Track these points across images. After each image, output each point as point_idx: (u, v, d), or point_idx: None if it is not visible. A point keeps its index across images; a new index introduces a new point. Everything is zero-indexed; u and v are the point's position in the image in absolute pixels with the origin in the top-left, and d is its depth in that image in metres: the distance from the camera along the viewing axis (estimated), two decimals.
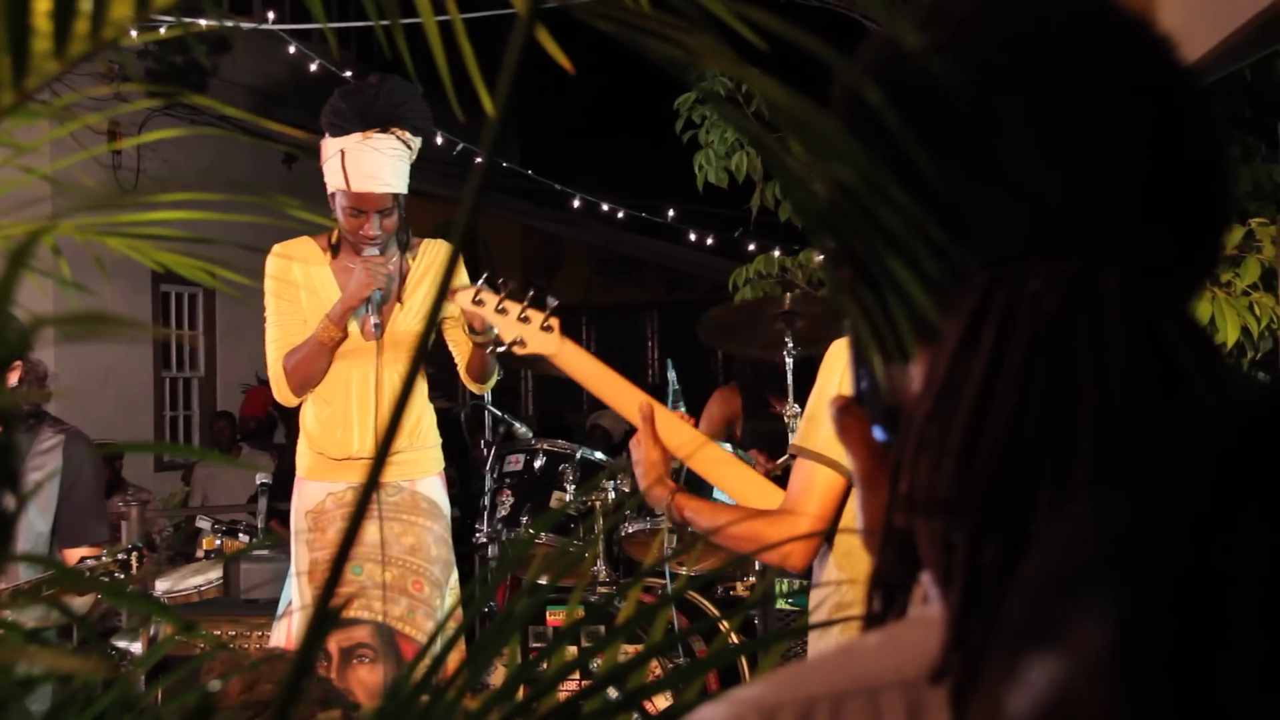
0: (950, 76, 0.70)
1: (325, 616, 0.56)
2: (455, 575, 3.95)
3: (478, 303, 2.87)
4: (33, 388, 3.48)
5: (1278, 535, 0.44)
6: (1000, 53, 0.72)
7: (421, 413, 3.97)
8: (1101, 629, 0.45)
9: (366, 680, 3.68)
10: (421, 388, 4.00)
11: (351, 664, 3.65)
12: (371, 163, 3.76)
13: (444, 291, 0.76)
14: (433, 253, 4.03)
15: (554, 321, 2.82)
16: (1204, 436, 0.49)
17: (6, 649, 0.64)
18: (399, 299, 3.90)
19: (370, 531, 3.77)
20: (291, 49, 9.39)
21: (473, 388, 4.07)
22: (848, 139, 0.73)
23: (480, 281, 2.89)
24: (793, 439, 2.53)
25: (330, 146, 3.81)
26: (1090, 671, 0.45)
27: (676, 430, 2.68)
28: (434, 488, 3.96)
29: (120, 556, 3.27)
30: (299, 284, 3.86)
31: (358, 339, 3.83)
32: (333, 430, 3.88)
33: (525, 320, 2.83)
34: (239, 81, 11.26)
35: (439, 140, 9.86)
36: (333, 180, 3.80)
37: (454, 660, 3.53)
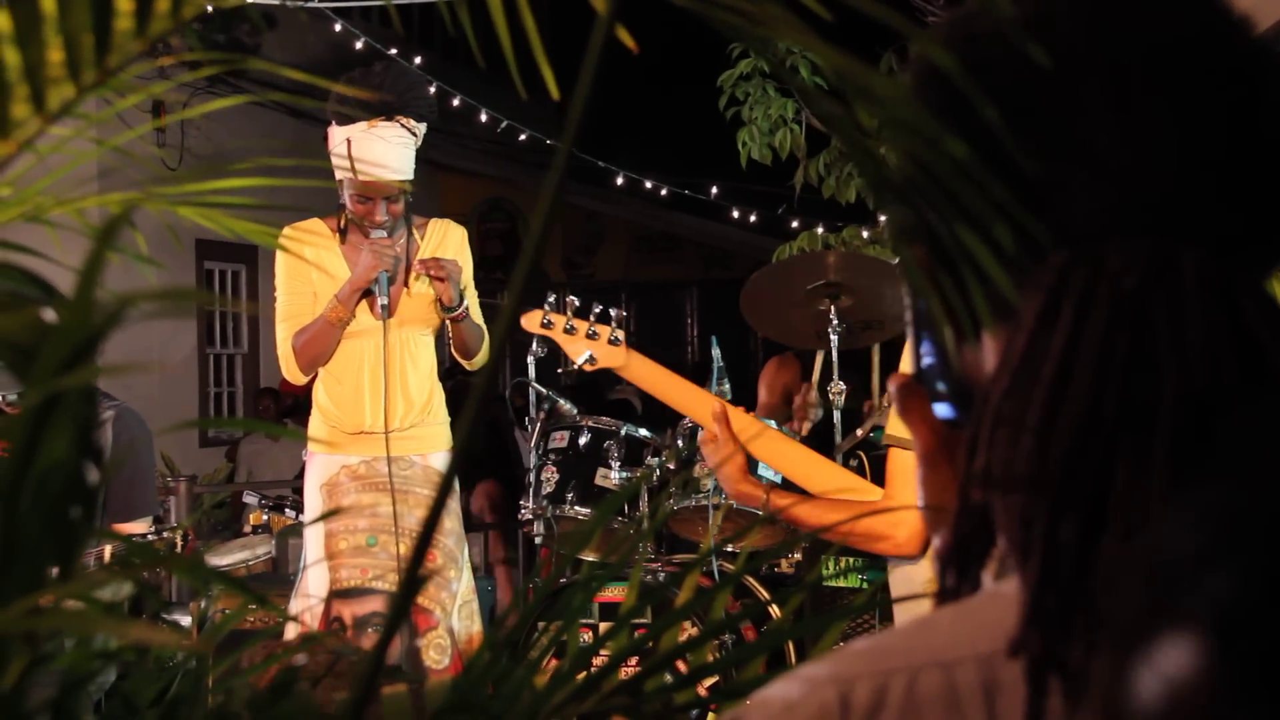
0: (1033, 52, 0.70)
1: (414, 583, 0.56)
2: (466, 549, 4.02)
3: (546, 324, 2.94)
4: None
5: None
6: (1080, 31, 0.72)
7: (432, 389, 4.05)
8: (1207, 622, 0.45)
9: None
10: (431, 365, 4.07)
11: (366, 633, 3.72)
12: (378, 152, 3.84)
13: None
14: (440, 232, 4.09)
15: (620, 334, 2.88)
16: None
17: (89, 622, 0.64)
18: (405, 281, 3.95)
19: (384, 504, 3.84)
20: (337, 26, 9.41)
21: (465, 365, 4.12)
22: (920, 109, 0.73)
23: (546, 305, 2.94)
24: (888, 429, 2.54)
25: (336, 135, 3.91)
26: (1197, 663, 0.45)
27: (748, 428, 2.71)
28: (445, 462, 4.03)
29: (166, 535, 3.31)
30: (310, 264, 3.94)
31: (367, 318, 3.90)
32: (345, 406, 3.98)
33: (593, 336, 2.89)
34: (282, 61, 11.31)
35: (483, 118, 9.87)
36: (340, 169, 3.88)
37: (476, 636, 3.50)
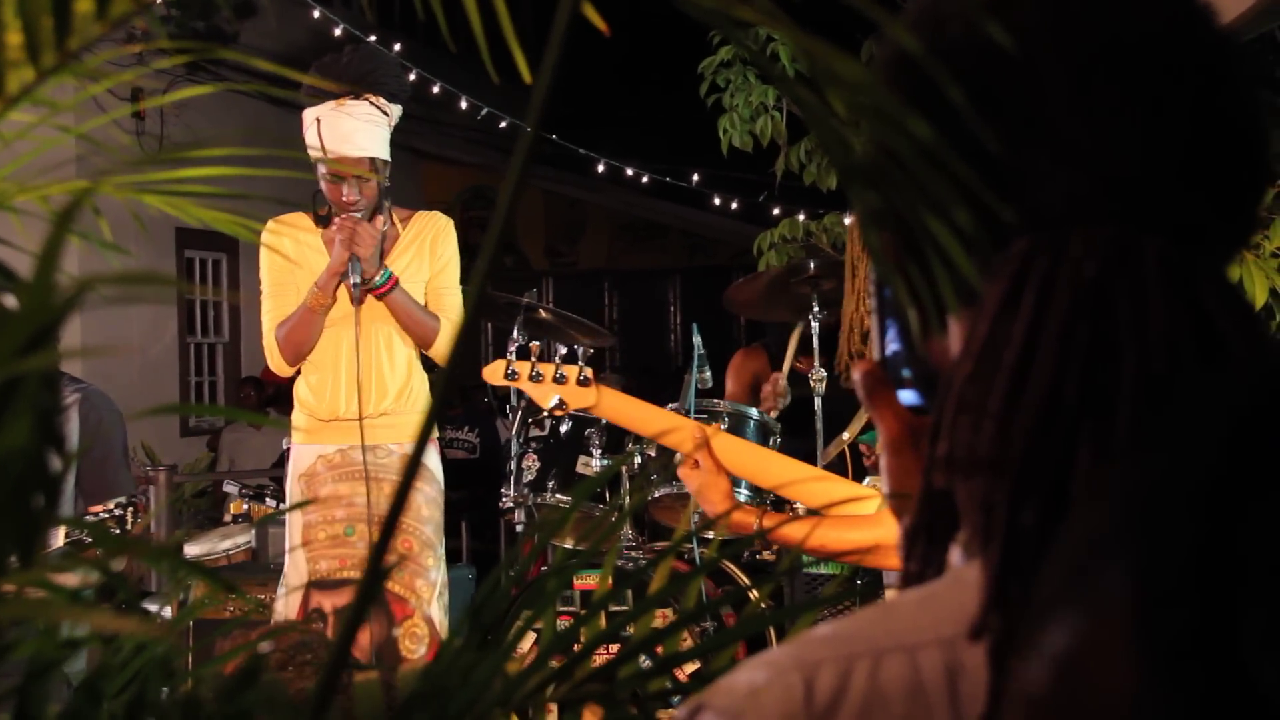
0: (994, 34, 0.70)
1: (378, 570, 0.56)
2: (443, 538, 4.00)
3: (511, 375, 2.84)
4: None
5: None
6: (1044, 17, 0.72)
7: (410, 376, 4.02)
8: (1124, 593, 0.46)
9: (358, 639, 3.72)
10: (410, 353, 4.04)
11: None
12: (345, 128, 3.84)
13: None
14: (423, 223, 4.06)
15: (589, 373, 2.80)
16: (1229, 402, 0.49)
17: (53, 610, 0.64)
18: (381, 264, 3.93)
19: (361, 493, 3.82)
20: (316, 13, 9.37)
21: (430, 355, 4.08)
22: (887, 94, 0.73)
23: (509, 354, 2.86)
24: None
25: (307, 117, 3.91)
26: (1112, 633, 0.45)
27: (734, 449, 2.65)
28: (426, 453, 3.98)
29: (116, 512, 3.24)
30: (292, 256, 3.93)
31: (346, 306, 3.89)
32: (323, 394, 3.96)
33: (561, 380, 2.82)
34: (261, 47, 11.25)
35: (463, 105, 9.84)
36: (312, 149, 3.88)
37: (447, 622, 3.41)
